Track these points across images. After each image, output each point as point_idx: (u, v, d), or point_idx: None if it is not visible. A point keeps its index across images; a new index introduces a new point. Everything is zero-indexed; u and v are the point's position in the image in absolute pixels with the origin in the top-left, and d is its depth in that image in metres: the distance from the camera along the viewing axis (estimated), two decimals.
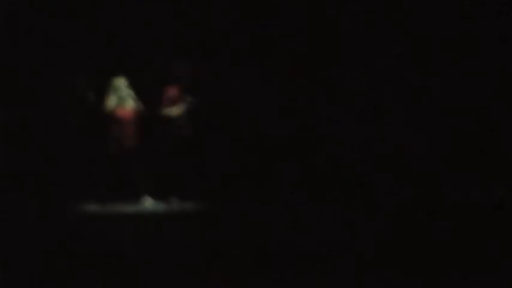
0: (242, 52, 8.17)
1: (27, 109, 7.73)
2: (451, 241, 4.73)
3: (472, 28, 7.71)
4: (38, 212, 7.29)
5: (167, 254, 4.53)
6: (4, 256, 4.61)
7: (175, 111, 7.63)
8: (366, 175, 7.62)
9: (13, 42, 8.02)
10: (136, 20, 8.23)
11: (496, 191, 7.20)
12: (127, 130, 7.60)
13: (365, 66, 7.89)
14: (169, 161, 7.63)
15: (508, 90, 7.49)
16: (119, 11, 8.26)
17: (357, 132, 7.83)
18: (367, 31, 7.95)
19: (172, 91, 7.74)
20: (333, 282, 4.03)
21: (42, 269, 4.40)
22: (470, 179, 7.25)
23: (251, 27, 8.24)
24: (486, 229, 5.22)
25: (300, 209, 6.99)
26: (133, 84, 7.67)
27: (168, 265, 4.38)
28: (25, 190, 7.47)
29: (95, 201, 7.83)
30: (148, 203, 7.65)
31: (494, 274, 4.03)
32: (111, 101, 7.62)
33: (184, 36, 8.21)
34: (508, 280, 3.94)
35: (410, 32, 7.88)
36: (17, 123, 7.63)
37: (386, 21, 7.94)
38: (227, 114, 7.98)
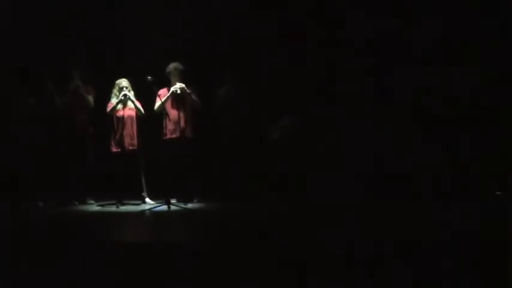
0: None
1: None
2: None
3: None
4: (37, 210, 7.31)
5: (168, 254, 4.54)
6: (3, 255, 4.62)
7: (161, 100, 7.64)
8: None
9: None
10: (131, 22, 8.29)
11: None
12: (129, 130, 7.63)
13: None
14: (168, 162, 7.67)
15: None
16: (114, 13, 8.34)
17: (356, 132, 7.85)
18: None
19: (163, 92, 7.77)
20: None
21: (42, 269, 4.40)
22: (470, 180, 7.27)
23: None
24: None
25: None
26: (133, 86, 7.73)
27: (168, 265, 4.38)
28: (25, 189, 7.48)
29: (95, 200, 7.86)
30: (148, 202, 7.67)
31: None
32: (114, 101, 7.65)
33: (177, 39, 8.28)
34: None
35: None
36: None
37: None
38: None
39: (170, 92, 7.71)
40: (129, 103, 7.73)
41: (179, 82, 7.74)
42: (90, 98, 7.84)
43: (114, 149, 7.66)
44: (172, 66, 7.78)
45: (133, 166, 7.70)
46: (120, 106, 7.69)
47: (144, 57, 8.13)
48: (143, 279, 4.19)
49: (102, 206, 7.58)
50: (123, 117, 7.68)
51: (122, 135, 7.63)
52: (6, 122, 7.43)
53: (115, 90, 7.75)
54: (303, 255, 4.36)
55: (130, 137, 7.70)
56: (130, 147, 7.67)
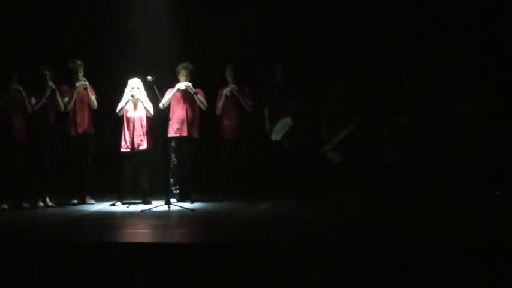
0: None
1: None
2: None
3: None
4: (37, 210, 7.31)
5: (169, 253, 4.54)
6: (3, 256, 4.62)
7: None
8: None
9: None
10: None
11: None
12: (139, 130, 7.61)
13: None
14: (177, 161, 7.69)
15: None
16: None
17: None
18: None
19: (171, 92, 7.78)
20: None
21: (44, 268, 4.41)
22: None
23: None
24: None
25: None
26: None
27: (170, 265, 4.39)
28: (26, 189, 7.48)
29: (95, 200, 7.86)
30: (153, 201, 7.64)
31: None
32: (124, 101, 7.63)
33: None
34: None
35: None
36: None
37: None
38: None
39: (176, 88, 7.70)
40: (139, 103, 7.68)
41: (187, 82, 7.72)
42: (94, 99, 7.82)
43: (123, 149, 7.64)
44: (181, 65, 7.79)
45: (142, 166, 7.68)
46: (129, 106, 7.66)
47: (152, 57, 8.12)
48: (143, 279, 4.20)
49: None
50: (133, 117, 7.66)
51: (131, 136, 7.60)
52: (6, 121, 7.39)
53: (127, 90, 7.71)
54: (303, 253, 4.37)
55: (140, 138, 7.66)
56: (140, 148, 7.64)
